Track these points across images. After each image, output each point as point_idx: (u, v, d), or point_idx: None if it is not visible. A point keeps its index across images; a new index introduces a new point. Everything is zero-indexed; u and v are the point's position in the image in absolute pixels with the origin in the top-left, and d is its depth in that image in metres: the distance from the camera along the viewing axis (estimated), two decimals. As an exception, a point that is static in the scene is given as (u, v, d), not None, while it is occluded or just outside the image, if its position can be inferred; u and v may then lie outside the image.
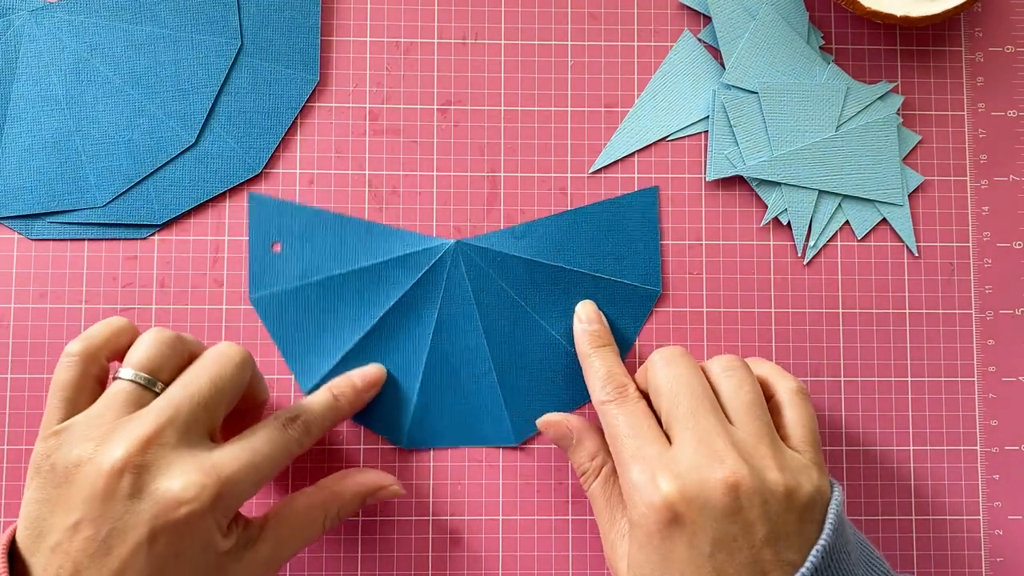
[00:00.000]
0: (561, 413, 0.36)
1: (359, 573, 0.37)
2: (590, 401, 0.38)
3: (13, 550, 0.29)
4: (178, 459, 0.29)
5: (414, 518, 0.38)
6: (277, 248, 0.38)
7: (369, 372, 0.37)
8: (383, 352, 0.38)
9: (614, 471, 0.34)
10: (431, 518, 0.38)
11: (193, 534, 0.28)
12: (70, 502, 0.28)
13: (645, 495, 0.29)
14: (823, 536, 0.29)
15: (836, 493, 0.31)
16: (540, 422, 0.36)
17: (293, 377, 0.38)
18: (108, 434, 0.29)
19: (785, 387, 0.33)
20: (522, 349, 0.38)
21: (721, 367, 0.33)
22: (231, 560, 0.30)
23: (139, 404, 0.30)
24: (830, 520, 0.30)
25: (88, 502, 0.28)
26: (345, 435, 0.38)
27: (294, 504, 0.33)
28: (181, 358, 0.32)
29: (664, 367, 0.32)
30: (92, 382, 0.31)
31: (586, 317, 0.37)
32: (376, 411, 0.38)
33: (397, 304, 0.38)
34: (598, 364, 0.35)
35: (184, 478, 0.28)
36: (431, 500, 0.38)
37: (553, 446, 0.38)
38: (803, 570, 0.28)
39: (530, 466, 0.38)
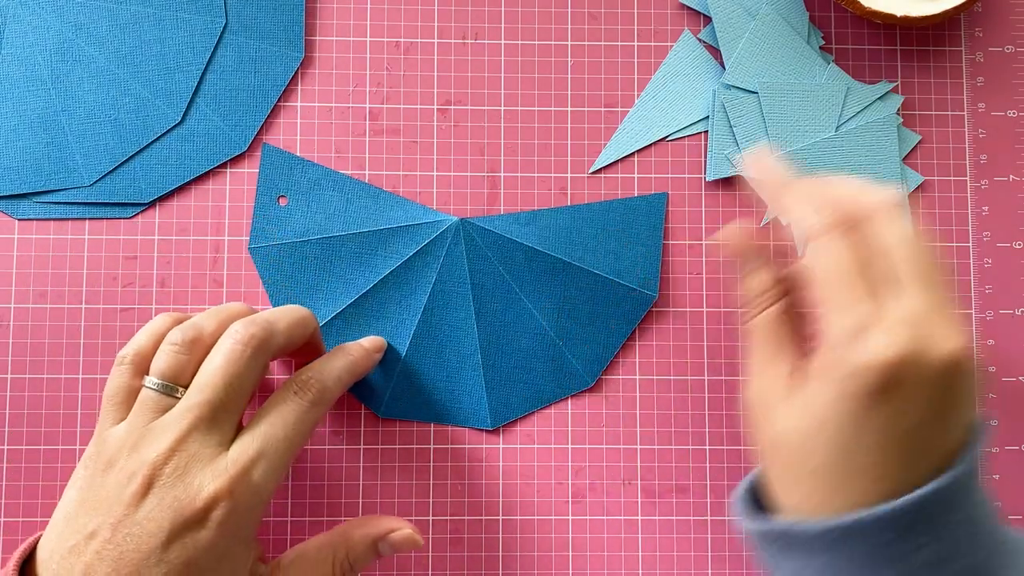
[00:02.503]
0: (744, 227, 0.32)
1: (359, 573, 0.37)
2: (569, 395, 0.38)
3: (32, 557, 0.29)
4: (199, 464, 0.29)
5: (414, 518, 0.38)
6: (283, 202, 0.39)
7: (373, 339, 0.37)
8: (373, 318, 0.38)
9: (788, 308, 0.31)
10: (431, 518, 0.38)
11: (210, 540, 0.28)
12: (96, 507, 0.28)
13: (867, 351, 0.26)
14: (976, 440, 0.27)
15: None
16: (721, 234, 0.33)
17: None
18: (138, 442, 0.29)
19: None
20: (511, 335, 0.38)
21: (903, 227, 0.29)
22: None
23: (165, 410, 0.30)
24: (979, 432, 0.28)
25: (110, 508, 0.28)
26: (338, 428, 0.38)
27: (304, 548, 0.33)
28: (204, 353, 0.32)
29: (891, 223, 0.28)
30: (139, 388, 0.32)
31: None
32: None
33: (393, 273, 0.38)
34: (808, 187, 0.30)
35: (202, 482, 0.29)
36: (431, 500, 0.38)
37: (553, 445, 0.38)
38: (955, 471, 0.26)
39: (530, 466, 0.38)
